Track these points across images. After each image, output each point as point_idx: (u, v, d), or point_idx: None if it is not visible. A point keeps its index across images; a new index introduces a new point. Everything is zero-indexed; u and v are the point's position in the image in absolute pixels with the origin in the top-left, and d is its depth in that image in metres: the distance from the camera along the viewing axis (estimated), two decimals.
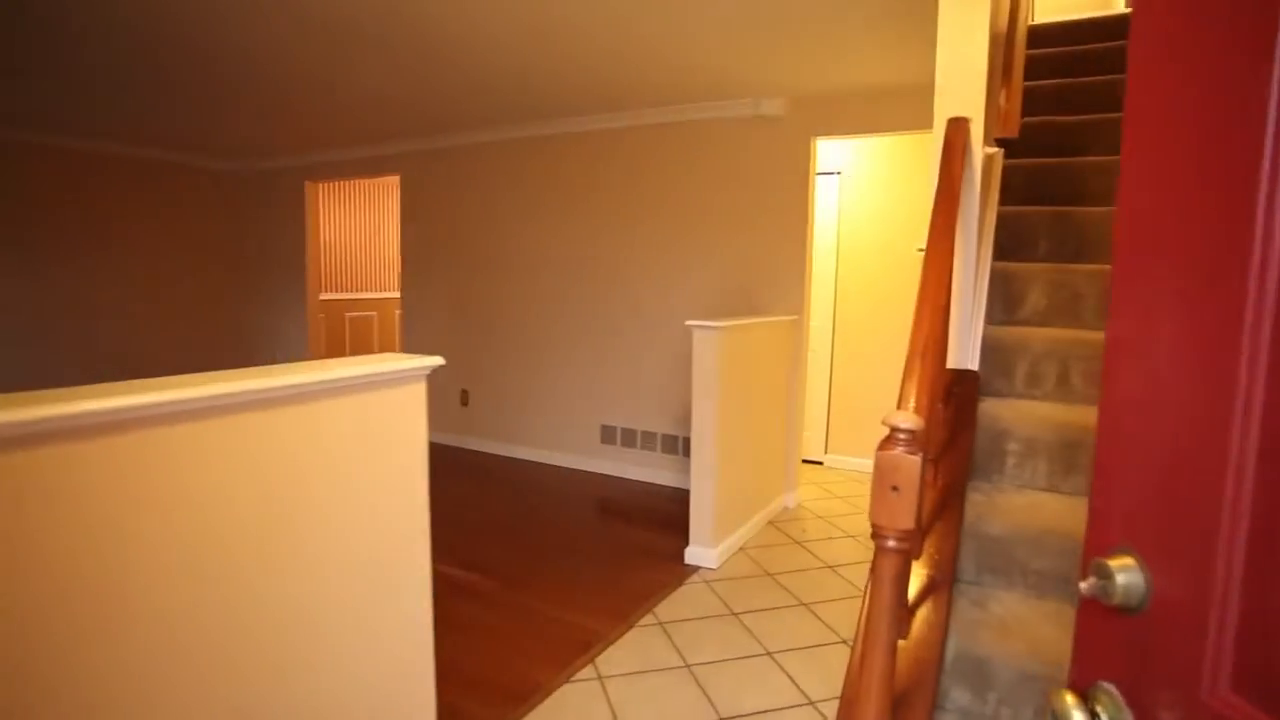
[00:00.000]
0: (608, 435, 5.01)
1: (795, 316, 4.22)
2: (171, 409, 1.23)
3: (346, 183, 8.07)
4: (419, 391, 1.71)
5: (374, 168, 6.06)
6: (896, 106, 3.90)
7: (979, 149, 1.93)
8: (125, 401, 1.16)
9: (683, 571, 3.43)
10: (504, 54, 3.48)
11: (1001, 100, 2.02)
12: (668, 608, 3.06)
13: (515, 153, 5.23)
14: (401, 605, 1.78)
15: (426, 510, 1.84)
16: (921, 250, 4.81)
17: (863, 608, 1.53)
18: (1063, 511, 1.81)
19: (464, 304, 5.64)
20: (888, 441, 1.16)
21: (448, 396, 5.79)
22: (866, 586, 1.57)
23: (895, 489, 1.13)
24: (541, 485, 4.80)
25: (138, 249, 6.36)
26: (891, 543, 1.16)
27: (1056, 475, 1.91)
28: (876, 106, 3.96)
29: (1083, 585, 0.70)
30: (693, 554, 3.49)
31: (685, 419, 4.66)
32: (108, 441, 1.16)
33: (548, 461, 5.29)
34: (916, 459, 1.12)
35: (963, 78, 1.92)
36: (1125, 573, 0.68)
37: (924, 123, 3.85)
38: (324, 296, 7.87)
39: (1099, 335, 2.08)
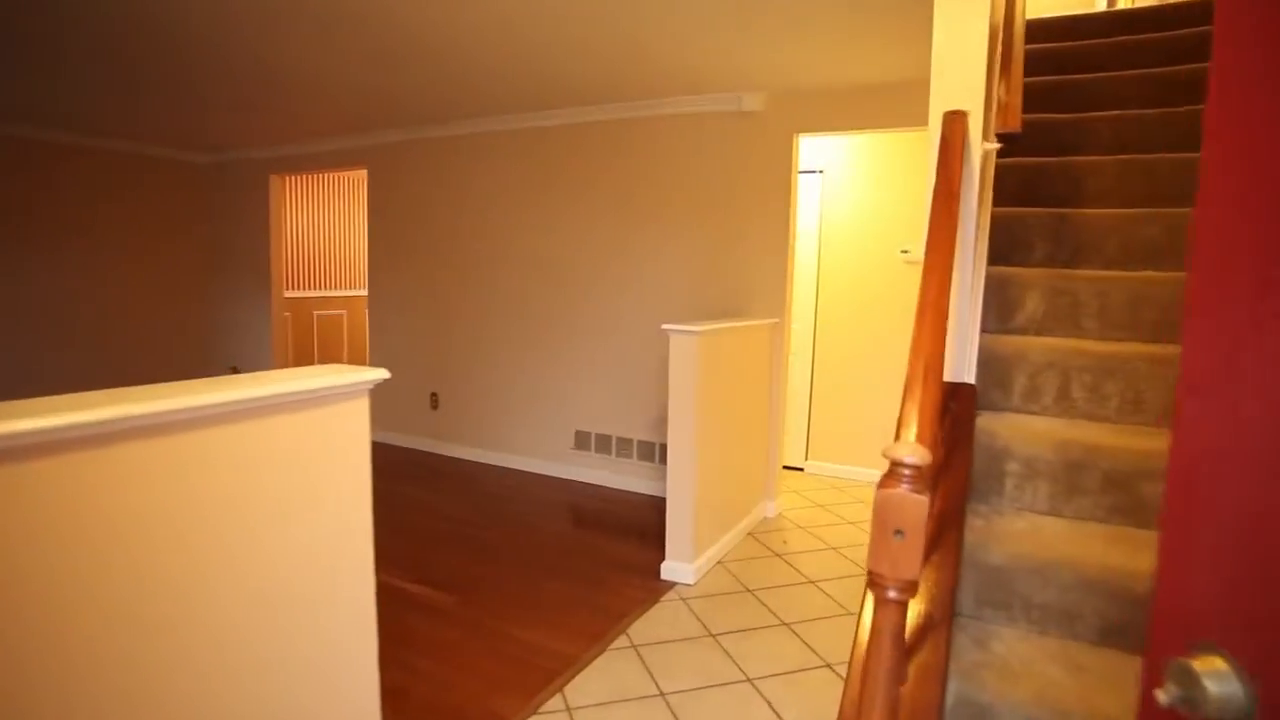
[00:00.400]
0: (581, 441, 4.84)
1: (776, 320, 4.07)
2: (74, 434, 1.06)
3: (317, 176, 7.82)
4: (361, 409, 1.53)
5: (341, 160, 5.83)
6: (883, 103, 3.76)
7: (978, 144, 1.78)
8: (19, 426, 0.99)
9: (659, 588, 3.27)
10: (476, 44, 3.30)
11: (1001, 92, 1.88)
12: (642, 628, 2.90)
13: (487, 146, 5.03)
14: (340, 636, 1.60)
15: (370, 534, 1.66)
16: (906, 252, 4.70)
17: (854, 654, 1.38)
18: (1066, 537, 1.67)
19: (433, 303, 5.44)
20: (890, 478, 1.00)
21: (417, 399, 5.59)
22: (858, 629, 1.41)
23: (899, 533, 0.97)
24: (512, 492, 4.61)
25: (101, 243, 6.07)
26: (893, 594, 1.01)
27: (1059, 498, 1.77)
28: (862, 103, 3.82)
29: (1160, 695, 0.55)
30: (669, 569, 3.33)
31: (662, 425, 4.50)
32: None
33: (520, 468, 5.11)
34: (923, 499, 0.96)
35: (961, 67, 1.78)
36: (1217, 680, 0.52)
37: (911, 119, 3.72)
38: (291, 294, 7.61)
39: (1101, 346, 1.95)
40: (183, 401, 1.19)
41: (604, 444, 4.75)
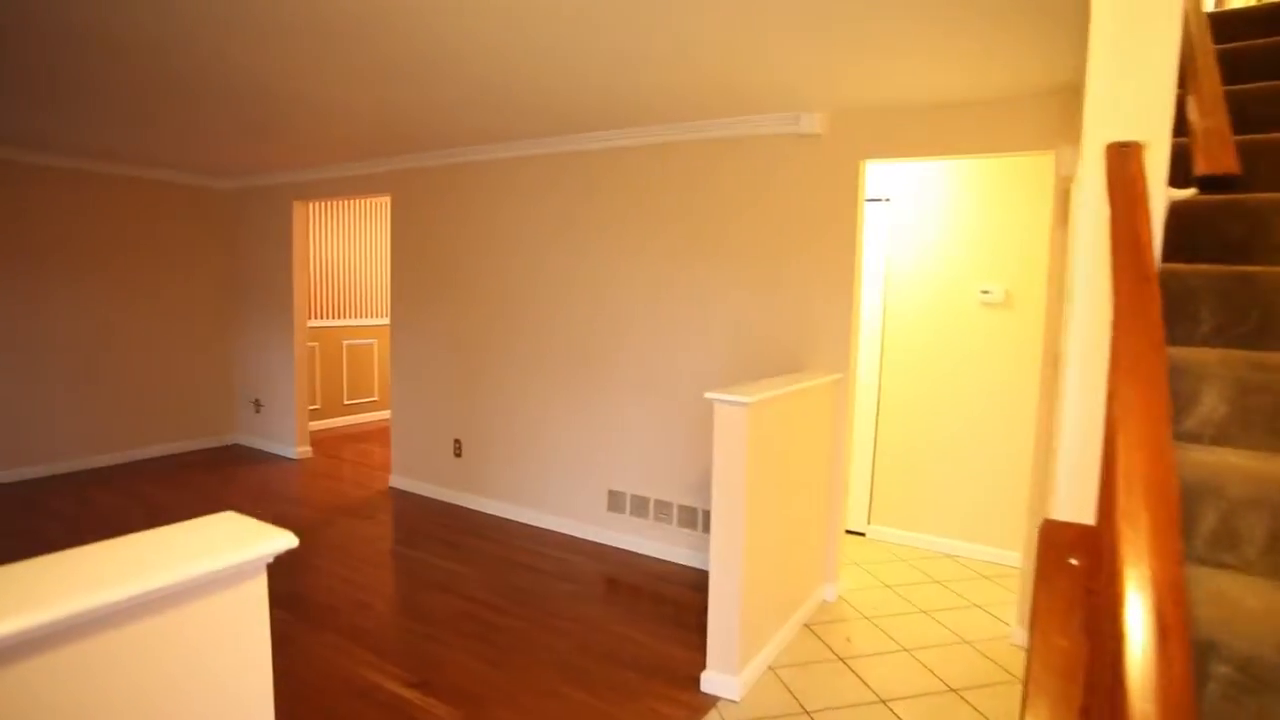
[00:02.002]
0: (615, 502, 4.33)
1: (839, 375, 3.52)
2: None
3: (346, 202, 7.54)
4: (255, 594, 1.04)
5: (364, 186, 5.47)
6: (969, 124, 3.20)
7: (1161, 190, 1.23)
8: None
9: (698, 703, 2.72)
10: (502, 63, 2.85)
11: (1193, 116, 1.33)
12: None
13: (514, 174, 4.60)
14: None
15: None
16: (987, 293, 4.07)
17: None
18: None
19: (457, 342, 5.01)
20: None
21: (440, 445, 5.15)
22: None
23: None
24: (536, 558, 4.12)
25: (121, 271, 5.83)
26: None
27: None
28: (942, 124, 3.26)
29: None
30: (711, 681, 2.78)
31: (704, 488, 3.96)
32: None
33: (550, 528, 4.62)
34: None
35: (1137, 77, 1.23)
36: None
37: (1001, 144, 3.15)
38: (318, 323, 7.32)
39: None
40: None
41: (640, 506, 4.23)
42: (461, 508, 5.01)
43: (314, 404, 7.37)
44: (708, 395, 2.66)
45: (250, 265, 6.48)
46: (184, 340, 6.36)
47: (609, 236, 4.24)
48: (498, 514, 4.85)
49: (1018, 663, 3.06)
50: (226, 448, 6.59)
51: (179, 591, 0.94)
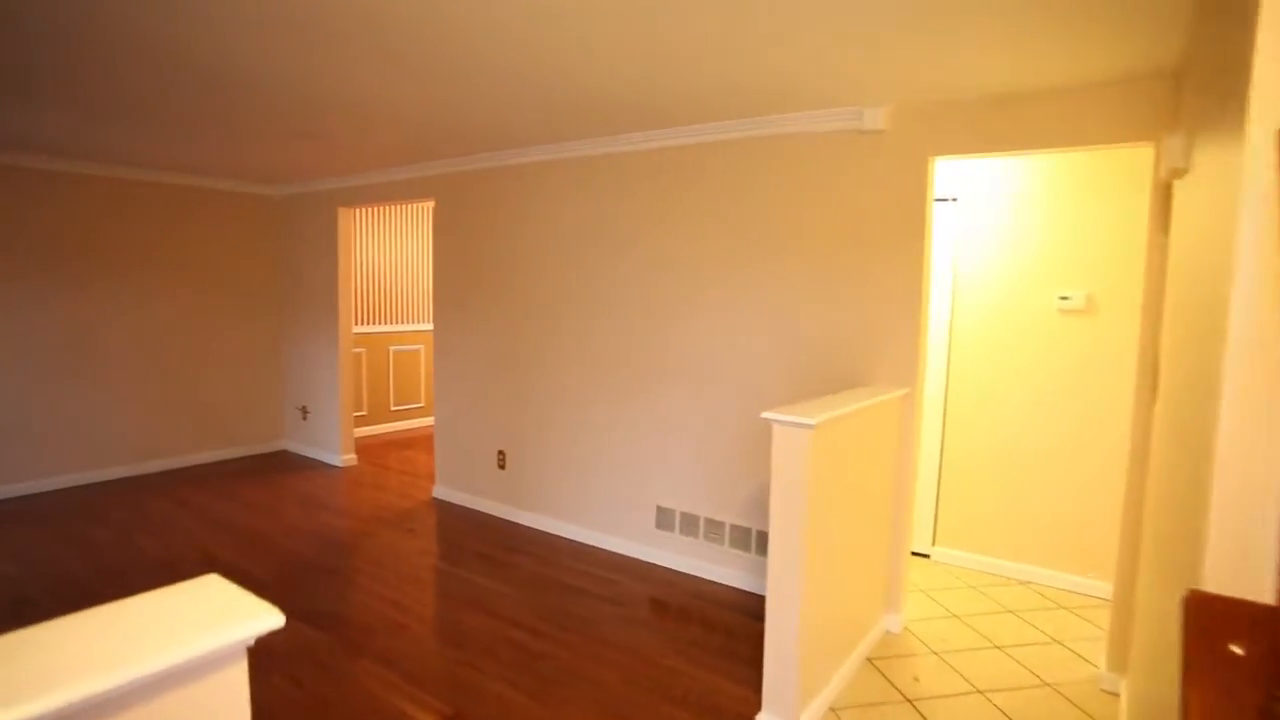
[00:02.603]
0: (664, 519, 4.12)
1: (906, 390, 3.25)
2: None
3: (394, 208, 7.51)
4: (232, 684, 0.87)
5: (408, 191, 5.38)
6: (1049, 115, 2.91)
7: None
8: None
9: None
10: (541, 58, 2.68)
11: None
12: None
13: (558, 176, 4.44)
14: None
15: None
16: (1066, 299, 3.75)
17: None
18: None
19: (501, 351, 4.87)
20: None
21: (484, 456, 5.03)
22: None
23: None
24: (581, 578, 3.94)
25: (177, 279, 5.87)
26: None
27: None
28: (1021, 116, 2.98)
29: None
30: None
31: (757, 507, 3.74)
32: None
33: (596, 544, 4.44)
34: None
35: None
36: None
37: (1091, 136, 2.85)
38: (366, 329, 7.30)
39: None
40: None
41: (690, 525, 4.02)
42: (505, 520, 4.87)
43: (361, 410, 7.35)
44: (765, 415, 2.44)
45: (298, 272, 6.47)
46: (236, 347, 6.38)
47: (654, 241, 4.04)
48: (541, 528, 4.70)
49: (1110, 712, 2.76)
50: (274, 454, 6.59)
51: (137, 690, 0.77)
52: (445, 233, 5.15)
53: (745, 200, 3.71)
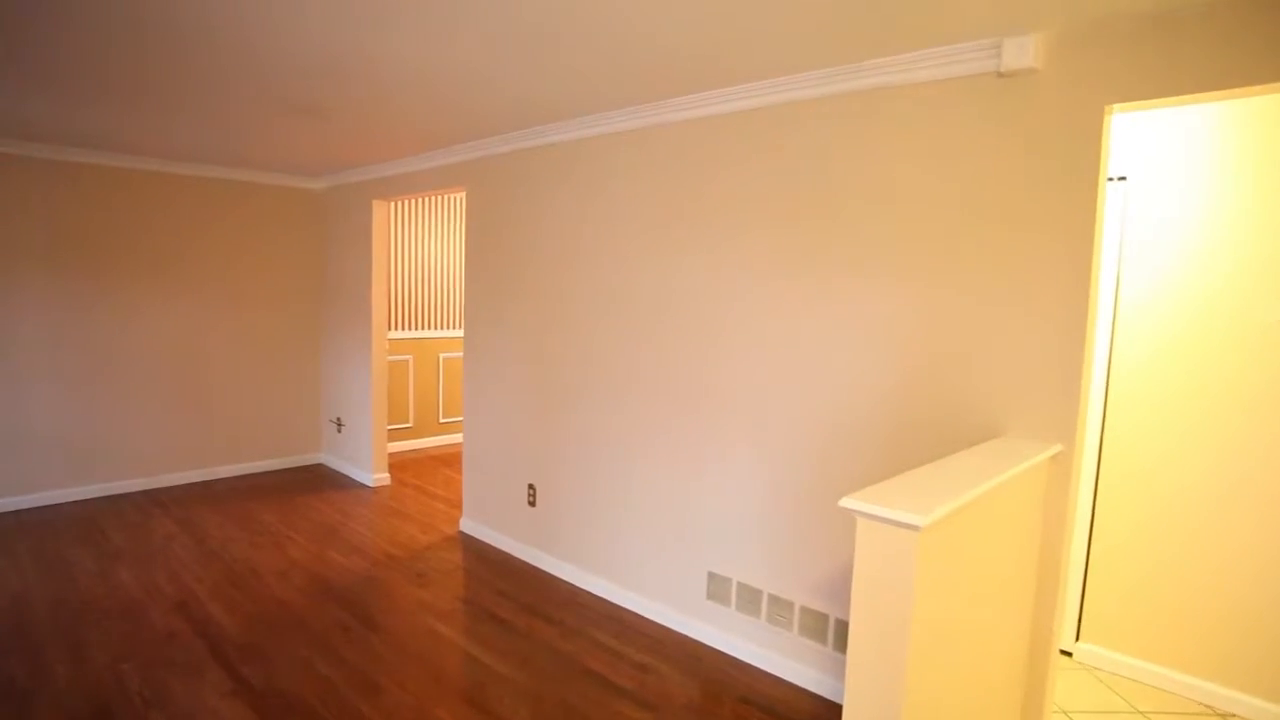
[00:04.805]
0: (718, 589, 3.24)
1: (1058, 448, 2.25)
2: None
3: (443, 206, 6.91)
4: None
5: (439, 180, 4.70)
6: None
7: None
8: None
9: None
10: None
11: None
12: None
13: (605, 153, 3.63)
14: None
15: None
16: None
17: None
18: None
19: (533, 369, 4.10)
20: None
21: (513, 490, 4.27)
22: None
23: None
24: (610, 660, 3.10)
25: (214, 282, 5.43)
26: None
27: None
28: (1251, 37, 1.94)
29: None
30: None
31: (836, 588, 2.80)
32: None
33: (630, 607, 3.60)
34: None
35: None
36: None
37: None
38: (413, 334, 6.72)
39: None
40: None
41: (750, 601, 3.12)
42: (532, 567, 4.09)
43: (407, 421, 6.77)
44: (845, 505, 1.53)
45: (335, 273, 5.93)
46: (272, 353, 5.90)
47: (707, 233, 3.16)
48: (572, 580, 3.89)
49: None
50: (308, 469, 6.07)
51: None
52: (476, 230, 4.43)
53: (831, 179, 2.79)
